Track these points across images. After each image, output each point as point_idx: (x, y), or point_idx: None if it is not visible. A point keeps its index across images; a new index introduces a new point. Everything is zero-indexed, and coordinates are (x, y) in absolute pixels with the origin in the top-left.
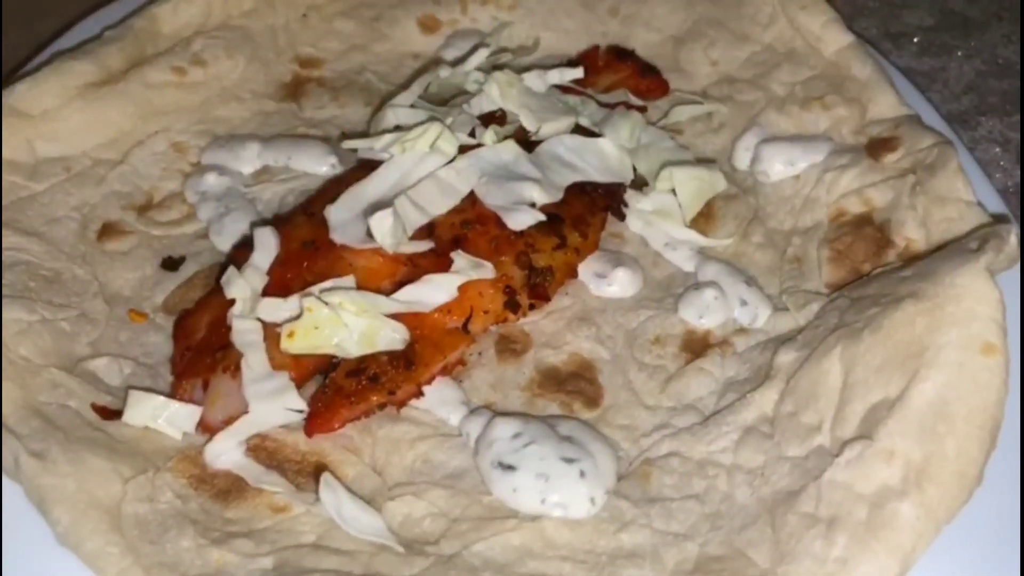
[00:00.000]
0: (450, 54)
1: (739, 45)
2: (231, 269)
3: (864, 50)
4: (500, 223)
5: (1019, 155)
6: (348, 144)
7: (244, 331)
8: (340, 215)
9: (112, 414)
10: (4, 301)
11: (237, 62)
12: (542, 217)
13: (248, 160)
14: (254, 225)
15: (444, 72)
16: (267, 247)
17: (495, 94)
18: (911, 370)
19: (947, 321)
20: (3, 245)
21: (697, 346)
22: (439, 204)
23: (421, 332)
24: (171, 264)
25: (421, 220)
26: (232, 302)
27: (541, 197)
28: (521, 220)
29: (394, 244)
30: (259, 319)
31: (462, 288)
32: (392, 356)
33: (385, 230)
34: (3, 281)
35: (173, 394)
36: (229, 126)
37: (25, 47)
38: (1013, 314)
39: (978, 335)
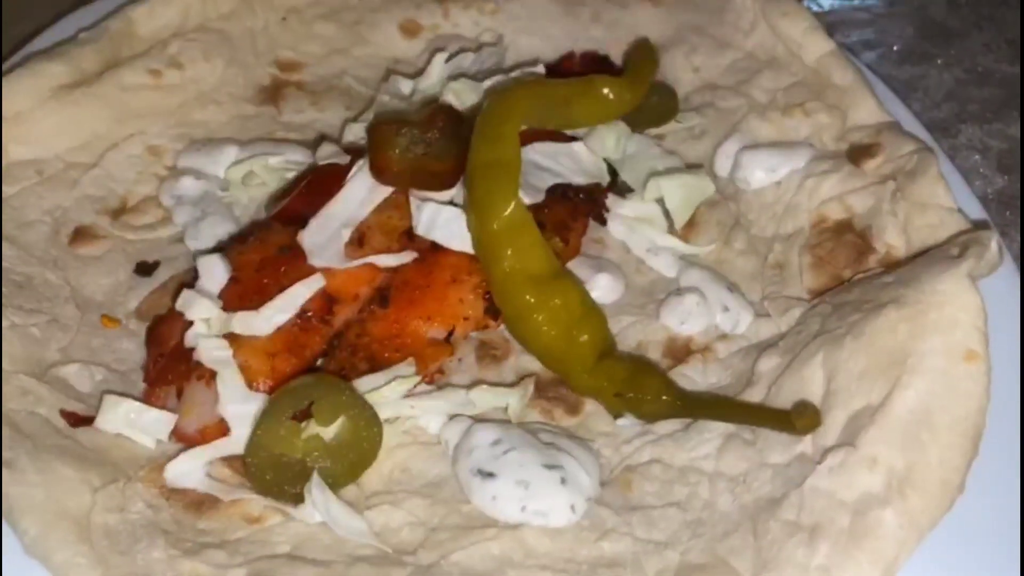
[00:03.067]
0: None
1: (721, 52)
2: (187, 292)
3: (845, 57)
4: None
5: (998, 163)
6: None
7: (211, 348)
8: (314, 238)
9: (81, 420)
10: None
11: (215, 65)
12: None
13: (225, 164)
14: (198, 255)
15: (403, 84)
16: (214, 277)
17: (453, 103)
18: (893, 377)
19: (929, 328)
20: None
21: (679, 352)
22: None
23: (401, 342)
24: (145, 269)
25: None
26: None
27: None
28: None
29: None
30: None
31: (442, 294)
32: (372, 366)
33: None
34: None
35: (146, 402)
36: (206, 130)
37: None
38: (1012, 319)
39: (961, 342)
